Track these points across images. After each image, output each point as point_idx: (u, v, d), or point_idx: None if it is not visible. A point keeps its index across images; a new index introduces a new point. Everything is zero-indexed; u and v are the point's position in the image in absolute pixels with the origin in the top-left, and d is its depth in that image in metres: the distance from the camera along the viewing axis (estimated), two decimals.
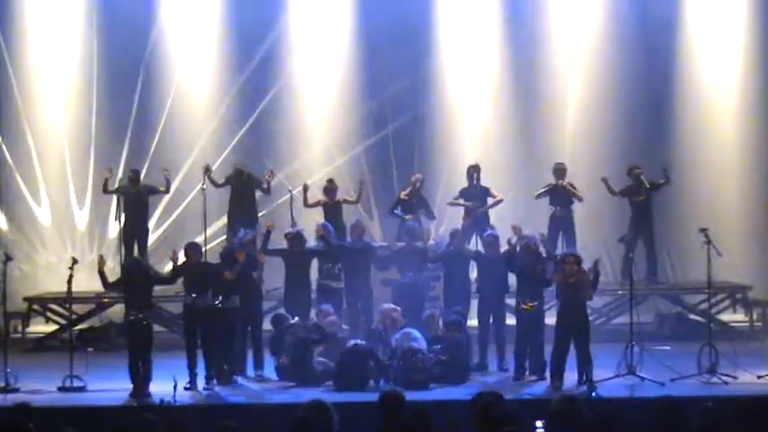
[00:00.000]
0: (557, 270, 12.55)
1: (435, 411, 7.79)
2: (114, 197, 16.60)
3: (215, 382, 12.60)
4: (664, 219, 16.75)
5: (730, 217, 17.02)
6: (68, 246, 17.47)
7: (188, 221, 17.01)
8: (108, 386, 12.47)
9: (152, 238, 17.05)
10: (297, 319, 13.35)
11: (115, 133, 17.52)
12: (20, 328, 16.15)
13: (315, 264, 14.19)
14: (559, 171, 16.27)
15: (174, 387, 11.60)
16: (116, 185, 16.55)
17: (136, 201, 16.48)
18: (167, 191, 16.59)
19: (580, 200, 16.13)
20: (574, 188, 16.20)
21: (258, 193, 16.46)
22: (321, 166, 17.29)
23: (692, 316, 16.09)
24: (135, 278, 12.56)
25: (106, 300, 16.22)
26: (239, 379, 13.08)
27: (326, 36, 17.58)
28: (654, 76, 17.49)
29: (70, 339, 13.52)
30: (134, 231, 16.49)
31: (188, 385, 12.42)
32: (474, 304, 13.88)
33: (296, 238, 13.89)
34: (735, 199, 17.43)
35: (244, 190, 16.64)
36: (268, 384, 12.90)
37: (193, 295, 12.75)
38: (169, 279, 13.06)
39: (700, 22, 17.52)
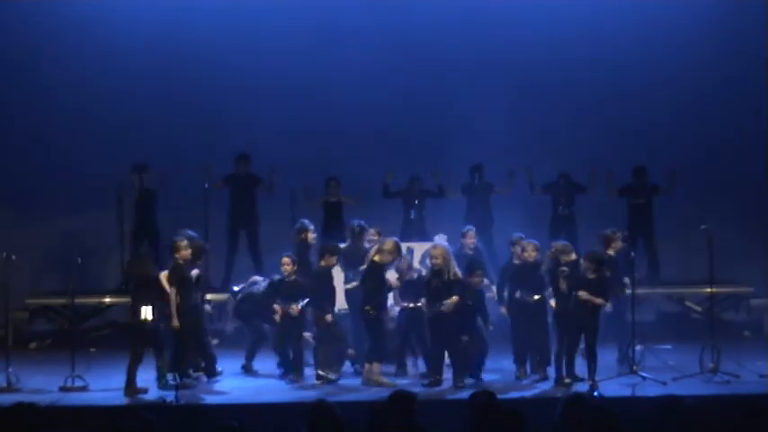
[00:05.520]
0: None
1: (441, 411, 7.87)
2: (116, 196, 16.63)
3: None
4: (665, 217, 16.75)
5: (732, 216, 17.00)
6: (71, 245, 17.49)
7: (188, 222, 16.97)
8: (110, 386, 12.45)
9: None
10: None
11: (114, 132, 17.54)
12: (22, 327, 16.17)
13: None
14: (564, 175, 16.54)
15: (176, 387, 11.62)
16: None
17: (145, 198, 16.50)
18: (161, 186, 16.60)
19: (583, 191, 16.39)
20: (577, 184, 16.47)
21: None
22: (322, 166, 17.22)
23: (694, 315, 16.12)
24: (141, 278, 12.51)
25: (108, 300, 16.28)
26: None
27: (326, 35, 17.54)
28: (654, 74, 17.48)
29: (72, 339, 13.52)
30: (143, 231, 16.46)
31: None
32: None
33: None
34: (736, 198, 17.42)
35: (244, 189, 16.66)
36: (269, 384, 12.90)
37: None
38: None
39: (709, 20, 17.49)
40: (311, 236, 13.70)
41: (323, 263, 12.91)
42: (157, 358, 12.32)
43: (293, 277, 13.06)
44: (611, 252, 13.09)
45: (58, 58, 17.34)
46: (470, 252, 13.81)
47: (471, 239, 14.00)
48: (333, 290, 12.85)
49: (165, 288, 12.42)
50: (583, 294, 12.08)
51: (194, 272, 12.84)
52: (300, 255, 13.57)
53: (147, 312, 12.14)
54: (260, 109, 17.33)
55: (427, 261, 12.89)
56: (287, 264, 13.07)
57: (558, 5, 17.57)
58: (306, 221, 13.92)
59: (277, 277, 13.20)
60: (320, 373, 12.72)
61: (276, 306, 12.99)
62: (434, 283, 12.44)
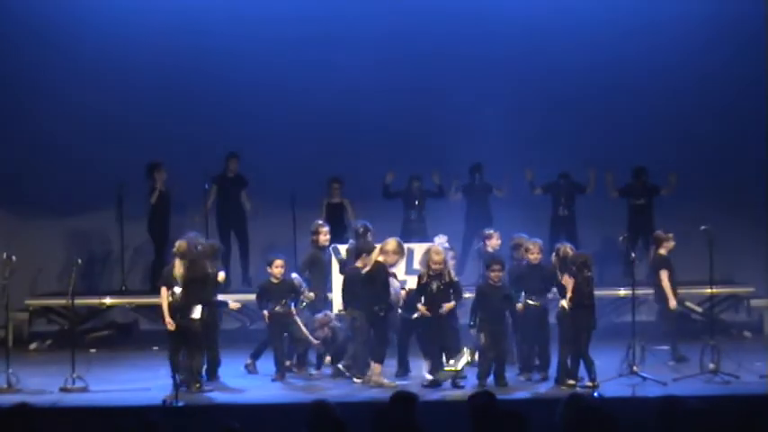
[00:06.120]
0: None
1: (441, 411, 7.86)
2: (117, 195, 16.64)
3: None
4: (665, 217, 16.74)
5: (732, 216, 16.99)
6: (71, 246, 17.49)
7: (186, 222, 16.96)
8: (110, 387, 12.46)
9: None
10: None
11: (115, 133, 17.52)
12: (22, 328, 16.18)
13: None
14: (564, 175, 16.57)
15: (176, 386, 11.63)
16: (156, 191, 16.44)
17: (164, 199, 16.55)
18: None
19: (583, 191, 16.51)
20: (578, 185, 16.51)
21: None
22: (322, 166, 17.19)
23: (694, 315, 16.11)
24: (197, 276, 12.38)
25: (108, 301, 16.28)
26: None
27: (326, 35, 17.51)
28: (655, 74, 17.47)
29: (72, 340, 13.52)
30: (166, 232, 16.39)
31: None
32: None
33: None
34: (736, 198, 17.41)
35: (233, 189, 16.66)
36: (269, 384, 12.90)
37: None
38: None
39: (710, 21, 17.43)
40: (323, 237, 13.73)
41: (359, 264, 12.86)
42: (193, 358, 12.26)
43: (282, 278, 13.08)
44: (662, 252, 13.18)
45: (58, 58, 17.32)
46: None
47: (497, 241, 13.91)
48: None
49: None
50: (567, 282, 12.21)
51: (221, 273, 13.01)
52: (314, 255, 13.62)
53: (197, 311, 12.17)
54: (259, 109, 17.33)
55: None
56: (280, 266, 13.07)
57: (558, 6, 17.55)
58: (320, 222, 14.05)
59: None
60: (341, 367, 12.87)
61: (265, 312, 13.03)
62: (435, 286, 12.48)
